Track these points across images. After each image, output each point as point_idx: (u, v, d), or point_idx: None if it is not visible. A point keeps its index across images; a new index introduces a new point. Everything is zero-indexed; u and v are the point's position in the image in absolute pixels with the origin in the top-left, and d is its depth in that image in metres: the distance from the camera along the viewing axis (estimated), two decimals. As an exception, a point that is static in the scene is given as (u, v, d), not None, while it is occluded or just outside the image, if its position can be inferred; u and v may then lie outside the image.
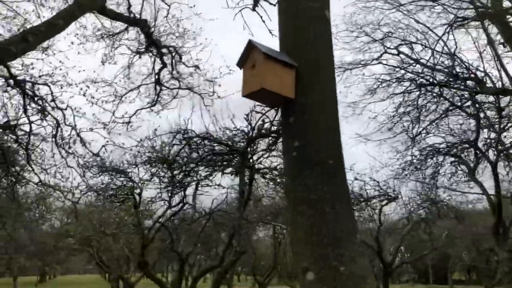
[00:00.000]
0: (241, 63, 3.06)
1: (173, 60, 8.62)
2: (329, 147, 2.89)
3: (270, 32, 9.25)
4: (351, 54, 12.37)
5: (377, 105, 12.55)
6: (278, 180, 13.82)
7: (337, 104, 3.11)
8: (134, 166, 12.47)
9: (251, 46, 3.00)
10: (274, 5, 9.48)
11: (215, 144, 10.73)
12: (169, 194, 13.10)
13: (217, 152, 10.73)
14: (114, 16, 6.49)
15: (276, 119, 10.20)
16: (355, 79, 12.01)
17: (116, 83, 8.80)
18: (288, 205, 2.86)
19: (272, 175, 13.42)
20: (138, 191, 13.79)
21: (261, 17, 9.30)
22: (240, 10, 9.18)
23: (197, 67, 9.49)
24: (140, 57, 9.18)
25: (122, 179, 12.61)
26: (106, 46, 9.09)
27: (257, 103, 9.62)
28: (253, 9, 9.59)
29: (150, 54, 8.92)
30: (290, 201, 2.82)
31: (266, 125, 10.26)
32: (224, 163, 11.32)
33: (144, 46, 8.88)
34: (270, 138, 11.30)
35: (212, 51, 9.99)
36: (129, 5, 7.60)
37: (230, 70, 9.38)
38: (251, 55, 3.00)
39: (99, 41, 9.02)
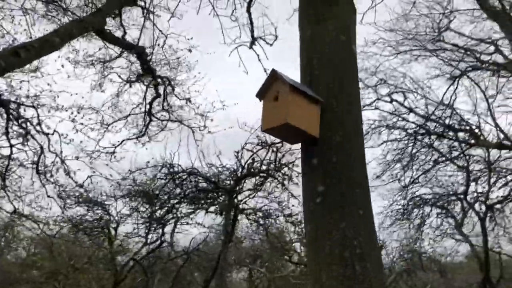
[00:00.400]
0: (261, 94, 2.74)
1: (165, 91, 8.31)
2: (360, 194, 2.56)
3: (265, 71, 9.14)
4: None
5: (368, 152, 12.32)
6: (261, 222, 13.44)
7: (364, 146, 2.80)
8: (112, 198, 11.95)
9: (274, 76, 2.69)
10: (271, 45, 9.42)
11: (201, 181, 10.34)
12: (147, 230, 12.53)
13: (203, 189, 10.33)
14: (112, 39, 6.20)
15: (266, 158, 9.95)
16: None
17: (103, 110, 8.40)
18: (313, 259, 2.48)
19: (255, 217, 13.02)
20: (114, 225, 13.17)
21: (258, 55, 9.22)
22: (236, 47, 9.10)
23: (188, 100, 9.21)
24: (130, 86, 8.87)
25: (99, 211, 12.02)
26: (96, 72, 8.77)
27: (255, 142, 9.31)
28: (250, 47, 9.48)
29: (143, 83, 8.61)
30: (316, 255, 2.45)
31: (255, 164, 9.98)
32: (209, 201, 10.90)
33: (136, 75, 8.59)
34: (257, 177, 11.00)
35: (205, 84, 9.77)
36: (124, 33, 7.35)
37: (224, 105, 9.10)
38: (273, 86, 2.69)
39: (89, 67, 8.70)
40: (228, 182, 10.78)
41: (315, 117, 2.67)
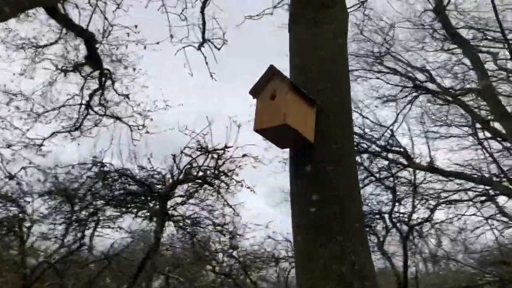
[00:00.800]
0: (256, 92, 2.53)
1: (104, 85, 7.78)
2: (355, 205, 2.41)
3: (211, 75, 8.90)
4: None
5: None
6: (189, 230, 13.03)
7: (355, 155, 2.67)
8: (29, 196, 10.99)
9: (271, 73, 2.49)
10: (219, 49, 9.18)
11: (132, 183, 9.78)
12: (64, 232, 11.68)
13: (134, 192, 9.78)
14: (63, 20, 5.65)
15: (204, 164, 9.63)
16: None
17: (33, 99, 7.68)
18: (305, 273, 2.28)
19: (183, 224, 12.60)
20: (28, 224, 12.11)
21: (205, 57, 8.94)
22: (184, 47, 8.77)
23: (127, 96, 8.70)
24: (65, 76, 8.20)
25: (13, 208, 10.97)
26: (26, 57, 8.02)
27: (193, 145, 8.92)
28: (199, 48, 9.19)
29: (79, 73, 8.00)
30: (309, 270, 2.25)
31: (193, 170, 9.62)
32: (139, 205, 10.34)
33: (73, 65, 7.96)
34: (190, 184, 10.64)
35: (145, 81, 9.28)
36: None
37: (167, 105, 8.70)
38: (270, 84, 2.49)
39: (19, 51, 7.94)
40: (159, 186, 10.33)
41: (312, 120, 2.50)
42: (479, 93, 5.85)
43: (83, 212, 10.61)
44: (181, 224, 12.55)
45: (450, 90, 8.92)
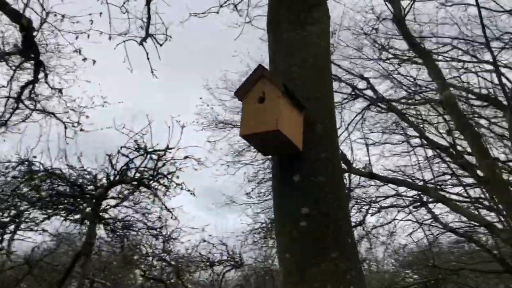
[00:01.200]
0: (241, 94, 2.31)
1: (38, 77, 7.14)
2: (346, 219, 2.27)
3: (152, 72, 8.49)
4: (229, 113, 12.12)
5: (243, 169, 12.32)
6: (119, 233, 12.42)
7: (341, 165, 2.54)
8: None
9: (260, 74, 2.28)
10: (161, 45, 8.79)
11: (63, 184, 9.09)
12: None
13: (64, 193, 9.09)
14: (-1, 3, 5.03)
15: (142, 165, 9.17)
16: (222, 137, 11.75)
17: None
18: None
19: (114, 227, 11.98)
20: None
21: (147, 53, 8.51)
22: (124, 41, 8.29)
23: (60, 90, 8.06)
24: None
25: None
26: None
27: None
28: (141, 43, 8.74)
29: (6, 63, 7.29)
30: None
31: (129, 171, 9.12)
32: (70, 207, 9.64)
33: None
34: (124, 186, 10.12)
35: (82, 75, 8.64)
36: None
37: (105, 102, 8.16)
38: (258, 85, 2.28)
39: None
40: (91, 187, 9.72)
41: (300, 127, 2.33)
42: (440, 103, 6.02)
43: (5, 214, 9.71)
44: (111, 227, 11.94)
45: (404, 99, 9.20)
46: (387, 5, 6.22)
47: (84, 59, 6.49)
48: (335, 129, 2.53)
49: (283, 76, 2.53)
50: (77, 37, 7.09)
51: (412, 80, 10.17)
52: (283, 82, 2.22)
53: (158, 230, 11.46)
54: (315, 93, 2.48)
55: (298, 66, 2.54)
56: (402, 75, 10.37)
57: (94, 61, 6.70)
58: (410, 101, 9.14)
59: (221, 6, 8.66)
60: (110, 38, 7.70)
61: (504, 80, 9.45)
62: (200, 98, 11.65)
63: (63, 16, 6.82)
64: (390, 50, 10.55)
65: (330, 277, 2.04)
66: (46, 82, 7.50)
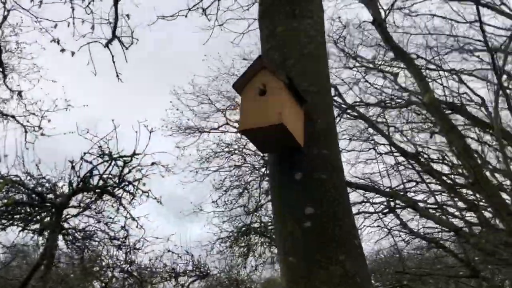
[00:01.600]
0: (240, 86, 2.15)
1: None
2: (350, 219, 2.14)
3: (117, 75, 8.19)
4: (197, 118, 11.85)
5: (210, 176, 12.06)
6: (79, 244, 11.90)
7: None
8: None
9: (261, 65, 2.14)
10: (127, 48, 8.51)
11: (21, 192, 8.59)
12: None
13: (22, 202, 8.58)
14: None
15: (107, 172, 8.79)
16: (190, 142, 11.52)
17: None
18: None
19: (74, 237, 11.47)
20: None
21: (113, 56, 8.21)
22: (89, 43, 7.96)
23: (19, 93, 7.64)
24: None
25: None
26: None
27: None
28: (106, 45, 8.42)
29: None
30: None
31: (92, 178, 8.72)
32: (25, 216, 9.11)
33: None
34: (86, 194, 9.69)
35: (41, 77, 8.20)
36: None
37: (69, 105, 7.79)
38: (258, 77, 2.14)
39: None
40: (51, 196, 9.24)
41: (302, 122, 2.20)
42: (424, 106, 6.06)
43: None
44: (71, 237, 11.43)
45: (382, 103, 9.27)
46: (368, 9, 6.25)
47: (62, 50, 6.17)
48: (334, 125, 2.42)
49: (279, 68, 2.40)
50: (56, 25, 6.77)
51: (379, 88, 10.31)
52: (288, 75, 2.08)
53: (121, 240, 11.04)
54: (313, 87, 2.35)
55: (294, 59, 2.41)
56: (369, 83, 10.49)
57: (73, 53, 6.39)
58: (391, 104, 9.23)
59: (189, 9, 8.49)
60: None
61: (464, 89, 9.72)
62: (170, 102, 11.37)
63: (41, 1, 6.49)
64: (357, 58, 10.68)
65: (340, 280, 1.90)
66: (5, 84, 7.08)
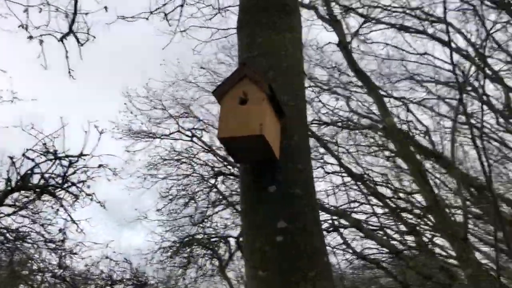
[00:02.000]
0: (220, 93, 2.11)
1: None
2: (320, 236, 2.14)
3: (70, 72, 7.88)
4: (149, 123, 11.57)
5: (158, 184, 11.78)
6: (9, 245, 11.25)
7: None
8: None
9: (243, 74, 2.11)
10: (82, 45, 8.23)
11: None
12: None
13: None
14: None
15: (49, 171, 8.37)
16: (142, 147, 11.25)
17: None
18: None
19: (5, 238, 10.83)
20: None
21: (67, 51, 7.90)
22: (42, 35, 7.62)
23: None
24: None
25: None
26: None
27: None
28: (61, 39, 8.10)
29: None
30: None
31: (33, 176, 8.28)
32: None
33: None
34: (23, 192, 9.20)
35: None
36: None
37: (15, 97, 7.38)
38: (239, 85, 2.11)
39: None
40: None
41: (279, 134, 2.19)
42: (383, 130, 6.22)
43: None
44: (2, 237, 10.79)
45: (339, 122, 9.44)
46: (335, 32, 6.41)
47: (30, 37, 5.84)
48: (308, 141, 2.42)
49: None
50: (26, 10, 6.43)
51: (332, 109, 10.54)
52: (270, 85, 2.07)
53: (57, 243, 10.54)
54: (291, 101, 2.35)
55: (274, 71, 2.41)
56: (322, 103, 10.70)
57: (41, 41, 6.05)
58: (348, 125, 9.45)
59: (151, 12, 8.33)
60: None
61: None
62: (125, 104, 11.05)
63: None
64: (312, 79, 10.89)
65: (309, 298, 1.89)
66: None
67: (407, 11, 8.92)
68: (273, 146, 2.07)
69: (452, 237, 4.83)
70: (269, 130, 2.04)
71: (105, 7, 7.03)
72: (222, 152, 10.61)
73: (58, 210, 8.93)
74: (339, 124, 10.20)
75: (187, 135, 10.95)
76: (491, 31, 6.18)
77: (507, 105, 7.89)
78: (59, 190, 8.35)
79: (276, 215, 2.05)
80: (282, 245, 1.99)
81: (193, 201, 11.98)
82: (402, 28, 9.17)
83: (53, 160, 8.05)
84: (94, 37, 7.99)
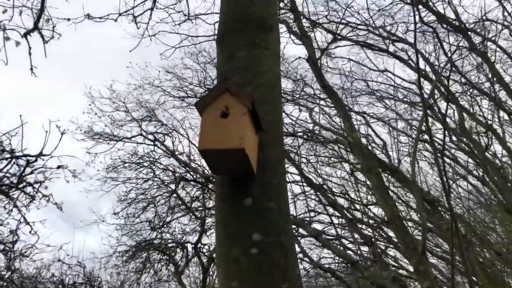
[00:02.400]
0: (202, 105, 2.16)
1: None
2: (292, 249, 2.22)
3: (32, 69, 7.68)
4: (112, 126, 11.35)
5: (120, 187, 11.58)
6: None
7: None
8: None
9: (224, 88, 2.17)
10: (46, 42, 8.03)
11: None
12: None
13: None
14: None
15: (4, 171, 8.07)
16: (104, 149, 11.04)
17: None
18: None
19: None
20: None
21: (30, 48, 7.69)
22: (4, 30, 7.40)
23: None
24: None
25: None
26: None
27: None
28: (24, 36, 7.89)
29: None
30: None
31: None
32: None
33: None
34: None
35: None
36: None
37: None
38: (221, 99, 2.16)
39: None
40: None
41: (256, 148, 2.25)
42: (348, 144, 6.38)
43: None
44: None
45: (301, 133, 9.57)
46: (305, 46, 6.56)
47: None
48: (284, 155, 2.50)
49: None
50: None
51: (295, 120, 10.73)
52: (253, 100, 2.13)
53: (7, 245, 10.15)
54: (268, 116, 2.42)
55: (252, 86, 2.47)
56: (286, 113, 10.87)
57: (7, 38, 5.85)
58: (312, 137, 9.63)
59: (120, 14, 8.24)
60: None
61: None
62: (90, 105, 10.83)
63: None
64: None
65: (281, 309, 1.96)
66: None
67: (371, 29, 9.25)
68: (251, 159, 2.13)
69: (411, 250, 5.04)
70: (249, 144, 2.10)
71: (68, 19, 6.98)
72: (184, 158, 10.58)
73: (11, 210, 8.63)
74: (301, 134, 10.39)
75: (149, 139, 10.84)
76: (449, 54, 6.50)
77: (461, 124, 8.30)
78: (14, 190, 8.06)
79: (252, 227, 2.11)
80: (256, 258, 2.05)
81: (152, 206, 11.86)
82: (366, 45, 9.49)
83: (9, 159, 7.78)
84: (60, 35, 7.82)
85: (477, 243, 8.46)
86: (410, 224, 9.28)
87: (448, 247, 9.67)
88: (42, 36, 7.63)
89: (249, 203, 2.17)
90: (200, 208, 11.60)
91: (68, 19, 7.30)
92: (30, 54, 7.42)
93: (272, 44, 2.70)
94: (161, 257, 13.54)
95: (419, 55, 5.84)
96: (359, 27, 8.97)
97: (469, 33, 7.73)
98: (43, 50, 7.00)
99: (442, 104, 9.29)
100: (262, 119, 2.31)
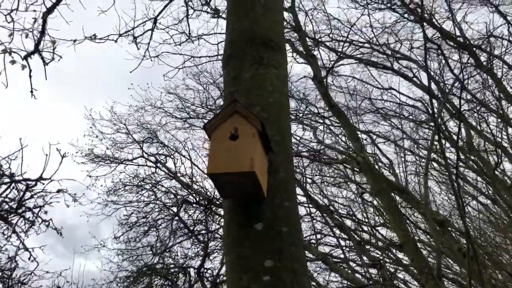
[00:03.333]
0: (211, 127, 2.04)
1: None
2: (305, 275, 2.08)
3: (32, 91, 7.59)
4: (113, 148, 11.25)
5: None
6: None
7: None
8: None
9: (234, 110, 2.05)
10: (46, 64, 7.97)
11: None
12: None
13: None
14: None
15: (3, 195, 7.93)
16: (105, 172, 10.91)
17: None
18: None
19: None
20: None
21: (31, 70, 7.63)
22: (3, 52, 7.35)
23: None
24: None
25: None
26: None
27: None
28: (25, 58, 7.83)
29: None
30: None
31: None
32: None
33: None
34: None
35: None
36: None
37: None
38: (230, 121, 2.04)
39: None
40: None
41: (266, 171, 2.13)
42: (357, 164, 6.25)
43: None
44: None
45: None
46: (310, 66, 6.48)
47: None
48: (293, 178, 2.37)
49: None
50: None
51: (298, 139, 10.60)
52: (262, 122, 2.01)
53: (5, 272, 9.94)
54: (277, 136, 2.31)
55: (260, 106, 2.36)
56: (291, 133, 10.75)
57: (13, 61, 5.83)
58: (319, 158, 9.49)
59: (120, 35, 8.20)
60: None
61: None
62: (91, 127, 10.74)
63: None
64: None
65: None
66: None
67: (375, 47, 9.19)
68: (261, 182, 2.00)
69: (426, 275, 4.84)
70: (259, 166, 1.98)
71: (74, 40, 6.93)
72: (186, 179, 10.43)
73: (10, 236, 8.45)
74: (305, 153, 10.24)
75: (151, 161, 10.69)
76: (455, 71, 6.41)
77: (469, 143, 8.15)
78: (13, 215, 7.90)
79: (263, 253, 2.00)
80: (269, 285, 1.91)
81: (153, 229, 11.64)
82: (369, 63, 9.42)
83: (9, 184, 7.64)
84: (61, 57, 7.76)
85: (489, 265, 8.23)
86: (419, 245, 9.06)
87: (459, 268, 9.43)
88: (42, 58, 7.58)
89: (261, 227, 2.05)
90: (203, 232, 11.36)
91: (74, 40, 7.23)
92: (30, 76, 7.36)
93: (280, 63, 2.61)
94: (163, 282, 13.24)
95: (426, 73, 5.73)
96: (362, 45, 8.91)
97: (475, 49, 7.65)
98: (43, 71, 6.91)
99: (449, 122, 9.18)
100: (271, 140, 2.19)
